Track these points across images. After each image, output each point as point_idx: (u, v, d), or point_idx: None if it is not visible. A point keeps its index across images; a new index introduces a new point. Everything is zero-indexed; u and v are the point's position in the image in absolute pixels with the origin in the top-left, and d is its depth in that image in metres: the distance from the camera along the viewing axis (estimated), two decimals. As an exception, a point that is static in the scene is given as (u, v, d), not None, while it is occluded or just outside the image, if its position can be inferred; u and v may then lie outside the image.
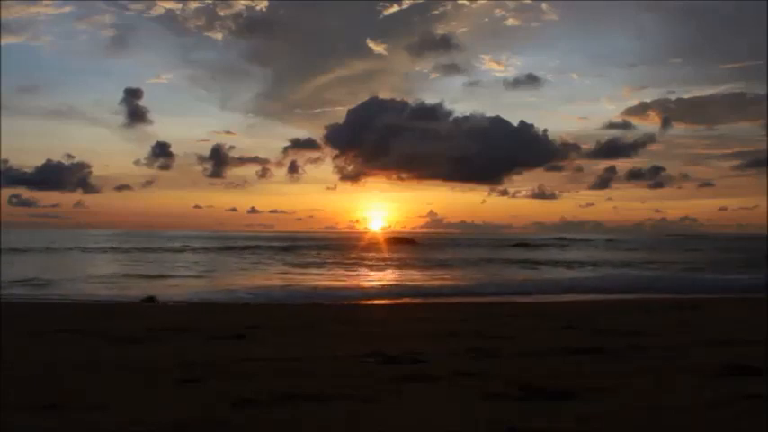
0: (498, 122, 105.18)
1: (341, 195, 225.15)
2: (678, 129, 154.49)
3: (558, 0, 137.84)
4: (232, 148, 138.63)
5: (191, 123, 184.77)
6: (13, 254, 42.98)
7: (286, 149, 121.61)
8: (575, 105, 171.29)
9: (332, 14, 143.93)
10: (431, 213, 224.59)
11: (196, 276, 31.73)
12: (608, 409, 5.18)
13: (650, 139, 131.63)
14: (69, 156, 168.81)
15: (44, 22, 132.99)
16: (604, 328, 11.22)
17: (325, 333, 11.12)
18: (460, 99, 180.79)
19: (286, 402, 5.40)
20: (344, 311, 17.11)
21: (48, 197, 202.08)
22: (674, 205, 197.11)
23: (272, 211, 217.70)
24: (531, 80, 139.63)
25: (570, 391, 5.74)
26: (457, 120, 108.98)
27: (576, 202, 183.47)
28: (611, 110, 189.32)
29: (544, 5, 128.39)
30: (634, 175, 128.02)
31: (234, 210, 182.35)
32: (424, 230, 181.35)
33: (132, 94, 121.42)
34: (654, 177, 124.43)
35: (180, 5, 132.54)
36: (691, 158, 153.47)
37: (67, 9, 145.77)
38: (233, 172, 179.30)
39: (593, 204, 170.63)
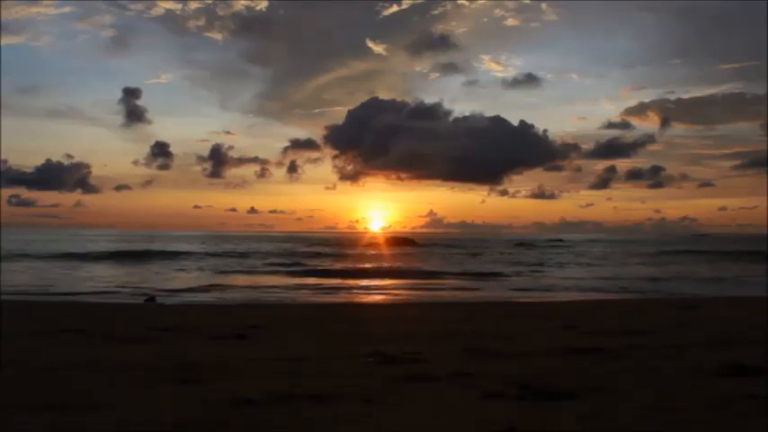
0: (498, 122, 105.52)
1: (341, 195, 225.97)
2: (678, 129, 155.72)
3: (557, 0, 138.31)
4: (232, 148, 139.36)
5: (190, 123, 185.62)
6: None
7: (286, 149, 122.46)
8: (574, 105, 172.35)
9: (332, 14, 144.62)
10: (431, 213, 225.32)
11: (196, 277, 31.72)
12: (608, 409, 5.18)
13: (650, 139, 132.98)
14: (69, 156, 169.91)
15: (44, 22, 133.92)
16: (604, 328, 11.22)
17: (325, 333, 11.12)
18: (460, 99, 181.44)
19: (286, 402, 5.40)
20: (344, 311, 17.10)
21: (47, 197, 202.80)
22: (674, 205, 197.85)
23: (271, 211, 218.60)
24: (530, 80, 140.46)
25: (570, 391, 5.74)
26: (456, 120, 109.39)
27: (575, 202, 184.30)
28: (610, 110, 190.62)
29: (544, 5, 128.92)
30: (634, 175, 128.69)
31: (233, 210, 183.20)
32: (424, 230, 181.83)
33: (131, 94, 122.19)
34: (654, 177, 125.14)
35: (180, 5, 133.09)
36: (691, 158, 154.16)
37: (67, 9, 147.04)
38: (232, 172, 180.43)
39: (592, 204, 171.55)
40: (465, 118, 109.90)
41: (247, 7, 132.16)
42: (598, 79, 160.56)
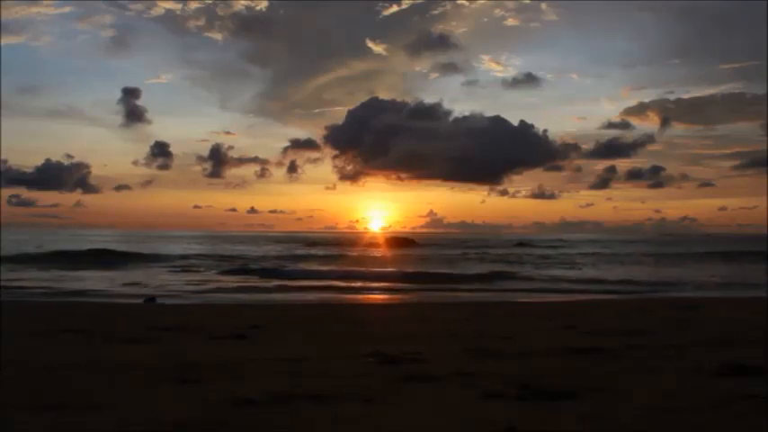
0: (498, 122, 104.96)
1: (341, 195, 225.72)
2: (677, 129, 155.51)
3: (557, 0, 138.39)
4: (231, 148, 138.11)
5: (190, 123, 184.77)
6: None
7: (286, 149, 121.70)
8: (574, 105, 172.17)
9: (332, 14, 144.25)
10: (431, 213, 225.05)
11: (196, 277, 31.72)
12: (608, 409, 5.18)
13: (649, 139, 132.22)
14: (69, 156, 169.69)
15: (44, 22, 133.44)
16: (604, 328, 11.22)
17: (326, 333, 11.12)
18: (460, 99, 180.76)
19: (286, 402, 5.40)
20: (344, 311, 17.10)
21: (47, 197, 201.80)
22: (673, 205, 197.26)
23: (271, 211, 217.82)
24: (530, 80, 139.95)
25: (570, 391, 5.74)
26: (456, 120, 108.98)
27: (575, 202, 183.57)
28: (610, 110, 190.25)
29: (544, 5, 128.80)
30: (634, 175, 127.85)
31: (233, 210, 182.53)
32: (424, 230, 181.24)
33: (131, 94, 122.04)
34: (654, 177, 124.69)
35: (180, 5, 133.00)
36: (690, 158, 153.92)
37: (67, 9, 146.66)
38: (232, 172, 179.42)
39: (592, 204, 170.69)
40: (465, 118, 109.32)
41: (247, 7, 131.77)
42: (598, 79, 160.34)
